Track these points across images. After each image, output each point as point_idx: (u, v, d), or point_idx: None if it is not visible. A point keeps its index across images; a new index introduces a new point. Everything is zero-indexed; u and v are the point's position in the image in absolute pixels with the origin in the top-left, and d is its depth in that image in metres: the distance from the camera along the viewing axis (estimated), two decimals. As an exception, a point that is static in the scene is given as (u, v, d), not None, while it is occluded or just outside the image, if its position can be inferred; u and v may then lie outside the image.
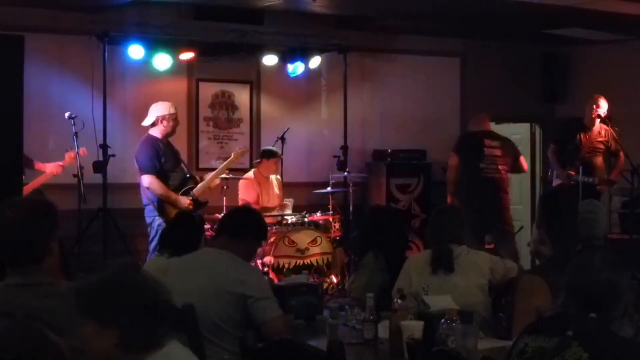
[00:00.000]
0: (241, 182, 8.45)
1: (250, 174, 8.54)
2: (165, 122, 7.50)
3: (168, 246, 4.81)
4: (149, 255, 7.34)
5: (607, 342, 2.41)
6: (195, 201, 7.43)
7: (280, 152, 8.69)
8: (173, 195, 7.36)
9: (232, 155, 8.04)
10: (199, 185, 7.59)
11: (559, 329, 2.45)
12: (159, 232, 7.22)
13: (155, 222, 7.36)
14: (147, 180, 7.34)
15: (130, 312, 2.29)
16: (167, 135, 7.55)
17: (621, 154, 8.28)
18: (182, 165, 7.66)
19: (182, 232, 4.90)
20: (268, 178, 8.56)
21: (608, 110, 8.37)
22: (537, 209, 3.92)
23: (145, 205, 7.47)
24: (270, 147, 8.67)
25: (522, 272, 4.56)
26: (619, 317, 2.47)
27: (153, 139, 7.50)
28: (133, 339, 2.29)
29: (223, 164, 7.96)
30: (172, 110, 7.58)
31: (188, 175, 7.62)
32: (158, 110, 7.54)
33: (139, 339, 2.30)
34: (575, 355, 2.36)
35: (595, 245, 3.93)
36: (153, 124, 7.52)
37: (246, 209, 4.87)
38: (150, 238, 7.45)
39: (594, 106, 8.25)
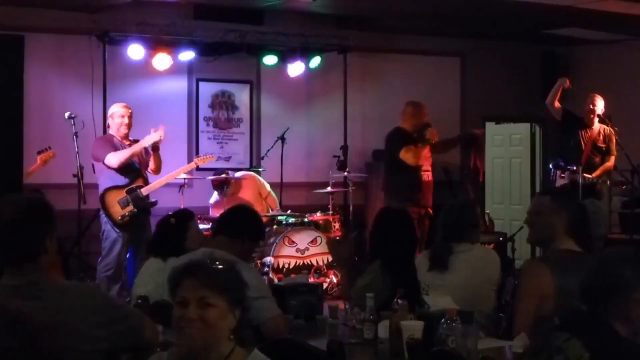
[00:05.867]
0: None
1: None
2: (111, 120, 7.32)
3: (159, 252, 4.79)
4: (107, 256, 7.13)
5: (609, 342, 2.40)
6: (139, 200, 7.16)
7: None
8: (136, 147, 7.16)
9: (194, 161, 7.84)
10: (150, 185, 7.31)
11: (560, 326, 2.45)
12: (106, 230, 7.14)
13: (102, 219, 7.21)
14: (111, 159, 7.08)
15: (246, 296, 2.50)
16: (119, 133, 7.25)
17: (612, 158, 8.27)
18: (137, 164, 7.32)
19: (164, 237, 4.88)
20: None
21: (607, 110, 8.37)
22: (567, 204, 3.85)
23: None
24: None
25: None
26: (620, 315, 2.46)
27: (107, 135, 7.40)
28: (243, 324, 2.48)
29: (180, 169, 7.74)
30: (117, 109, 7.33)
31: (138, 169, 7.30)
32: (109, 111, 7.44)
33: (244, 326, 2.51)
34: (577, 354, 2.36)
35: (616, 245, 3.93)
36: (109, 126, 7.38)
37: (243, 209, 4.82)
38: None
39: (593, 105, 8.24)
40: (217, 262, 2.53)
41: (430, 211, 7.80)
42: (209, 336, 2.41)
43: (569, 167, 8.11)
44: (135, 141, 7.32)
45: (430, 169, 7.99)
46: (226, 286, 2.45)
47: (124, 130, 7.27)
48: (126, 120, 7.27)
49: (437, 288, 4.31)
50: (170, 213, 5.06)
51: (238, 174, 8.68)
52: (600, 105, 8.24)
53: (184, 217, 4.97)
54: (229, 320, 2.44)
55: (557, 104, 8.34)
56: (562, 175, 8.18)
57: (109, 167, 7.14)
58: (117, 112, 7.31)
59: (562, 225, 3.74)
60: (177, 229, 4.82)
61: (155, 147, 7.34)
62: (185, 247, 4.66)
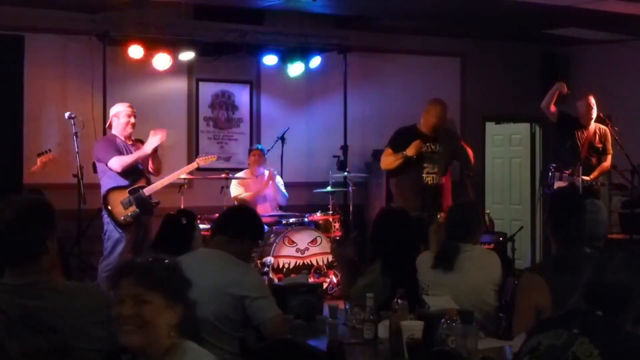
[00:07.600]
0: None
1: (242, 174, 8.58)
2: (116, 120, 7.24)
3: (162, 249, 4.78)
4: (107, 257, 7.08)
5: (619, 339, 2.39)
6: (142, 200, 7.13)
7: (256, 146, 8.82)
8: (140, 153, 7.13)
9: (196, 162, 7.75)
10: (152, 185, 7.28)
11: (567, 325, 2.45)
12: (108, 230, 7.10)
13: (104, 219, 7.17)
14: (114, 163, 7.04)
15: (189, 293, 2.51)
16: (124, 133, 7.21)
17: (609, 157, 8.25)
18: (140, 165, 7.27)
19: (171, 233, 4.87)
20: (260, 177, 8.58)
21: (605, 110, 8.36)
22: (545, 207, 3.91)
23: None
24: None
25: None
26: (630, 320, 2.45)
27: (109, 135, 7.33)
28: (186, 320, 2.46)
29: (182, 169, 7.67)
30: (123, 108, 7.26)
31: (141, 170, 7.27)
32: (112, 110, 7.35)
33: (188, 322, 2.47)
34: (586, 352, 2.35)
35: (620, 247, 3.94)
36: (110, 126, 7.33)
37: (242, 209, 4.81)
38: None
39: (592, 104, 8.23)
40: (158, 261, 2.54)
41: (441, 215, 6.88)
42: (146, 332, 2.42)
43: (564, 171, 8.10)
44: (138, 141, 7.31)
45: (437, 171, 7.14)
46: (162, 283, 2.46)
47: (129, 130, 7.23)
48: (132, 120, 7.24)
49: (438, 287, 4.32)
50: (172, 212, 5.06)
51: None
52: (595, 105, 8.24)
53: (192, 217, 4.98)
54: (168, 317, 2.45)
55: (552, 108, 8.32)
56: (560, 177, 8.18)
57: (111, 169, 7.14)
58: (123, 111, 7.25)
59: (549, 229, 3.77)
60: (186, 229, 4.83)
61: (153, 150, 7.31)
62: (192, 246, 4.66)
